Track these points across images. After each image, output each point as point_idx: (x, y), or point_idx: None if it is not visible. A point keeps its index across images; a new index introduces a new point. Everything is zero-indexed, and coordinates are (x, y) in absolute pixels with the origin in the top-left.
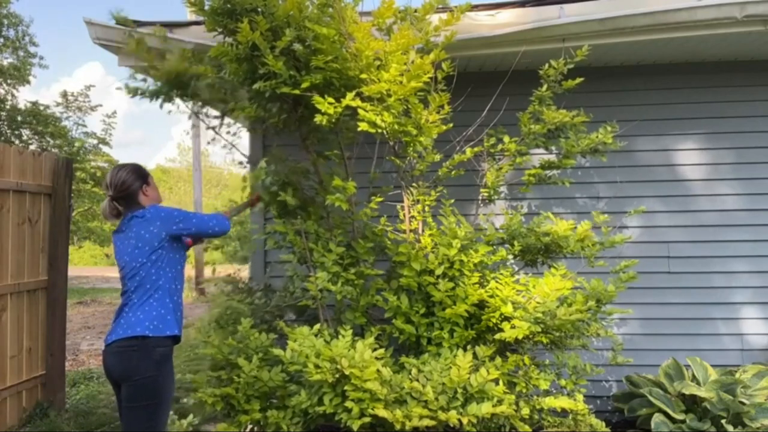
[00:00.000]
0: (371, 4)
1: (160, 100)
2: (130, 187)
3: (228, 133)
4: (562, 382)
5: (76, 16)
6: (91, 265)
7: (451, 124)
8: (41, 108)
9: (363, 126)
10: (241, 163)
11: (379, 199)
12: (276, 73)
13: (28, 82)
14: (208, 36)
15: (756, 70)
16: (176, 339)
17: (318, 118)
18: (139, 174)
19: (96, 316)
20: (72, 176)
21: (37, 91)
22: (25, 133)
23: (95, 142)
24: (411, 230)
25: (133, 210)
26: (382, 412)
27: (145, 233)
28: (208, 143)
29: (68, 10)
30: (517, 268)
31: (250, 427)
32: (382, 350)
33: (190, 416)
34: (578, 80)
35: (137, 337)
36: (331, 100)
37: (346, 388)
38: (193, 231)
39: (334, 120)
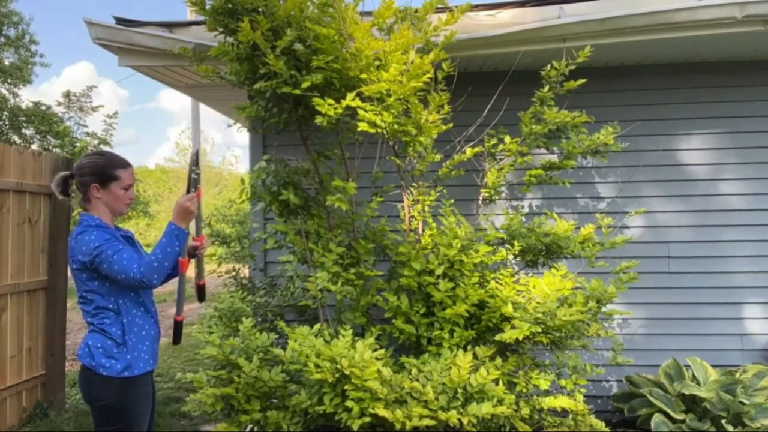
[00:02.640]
0: (372, 4)
1: None
2: (81, 177)
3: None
4: (562, 382)
5: (63, 15)
6: None
7: (451, 124)
8: (43, 108)
9: (363, 126)
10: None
11: (380, 200)
12: (277, 72)
13: (30, 81)
14: (208, 36)
15: (756, 69)
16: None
17: (318, 120)
18: (99, 171)
19: None
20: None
21: (25, 89)
22: (27, 132)
23: (96, 142)
24: (411, 230)
25: (81, 208)
26: (382, 412)
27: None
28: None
29: (57, 9)
30: (517, 269)
31: (250, 427)
32: (382, 350)
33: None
34: (580, 81)
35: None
36: (331, 101)
37: (346, 387)
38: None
39: (334, 121)
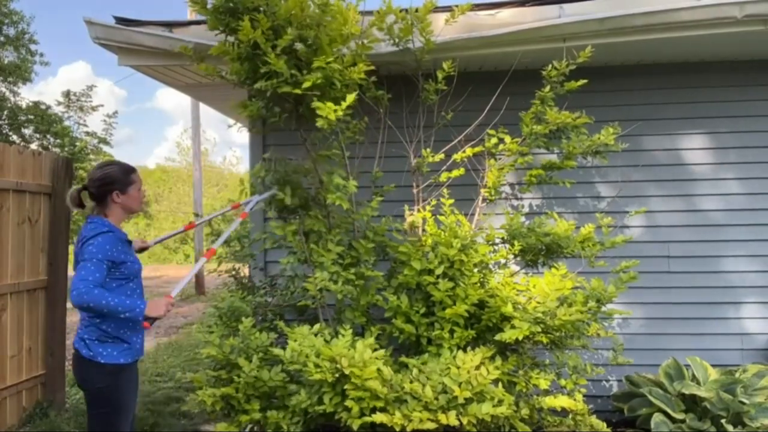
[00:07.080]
0: (373, 3)
1: None
2: (102, 188)
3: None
4: (562, 381)
5: (59, 14)
6: None
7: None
8: (43, 107)
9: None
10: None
11: (380, 198)
12: (277, 72)
13: (30, 80)
14: (208, 35)
15: (756, 69)
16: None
17: (319, 122)
18: (118, 179)
19: None
20: (72, 176)
21: (24, 87)
22: (26, 132)
23: (96, 141)
24: (411, 229)
25: (95, 213)
26: (380, 418)
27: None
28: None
29: (53, 8)
30: (517, 268)
31: (249, 426)
32: (382, 351)
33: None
34: (581, 82)
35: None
36: (331, 105)
37: (346, 387)
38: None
39: (334, 124)
